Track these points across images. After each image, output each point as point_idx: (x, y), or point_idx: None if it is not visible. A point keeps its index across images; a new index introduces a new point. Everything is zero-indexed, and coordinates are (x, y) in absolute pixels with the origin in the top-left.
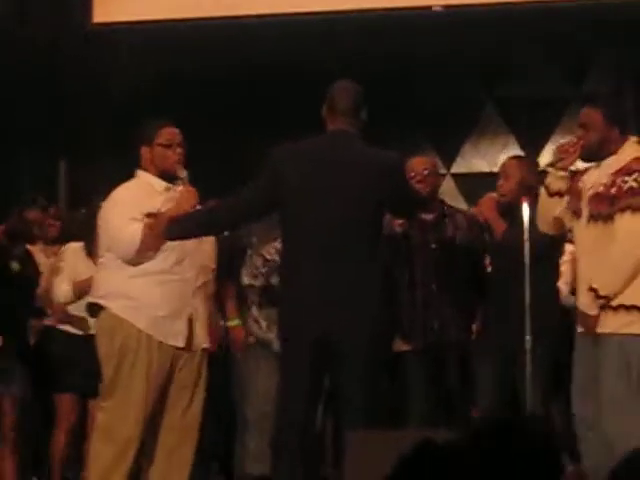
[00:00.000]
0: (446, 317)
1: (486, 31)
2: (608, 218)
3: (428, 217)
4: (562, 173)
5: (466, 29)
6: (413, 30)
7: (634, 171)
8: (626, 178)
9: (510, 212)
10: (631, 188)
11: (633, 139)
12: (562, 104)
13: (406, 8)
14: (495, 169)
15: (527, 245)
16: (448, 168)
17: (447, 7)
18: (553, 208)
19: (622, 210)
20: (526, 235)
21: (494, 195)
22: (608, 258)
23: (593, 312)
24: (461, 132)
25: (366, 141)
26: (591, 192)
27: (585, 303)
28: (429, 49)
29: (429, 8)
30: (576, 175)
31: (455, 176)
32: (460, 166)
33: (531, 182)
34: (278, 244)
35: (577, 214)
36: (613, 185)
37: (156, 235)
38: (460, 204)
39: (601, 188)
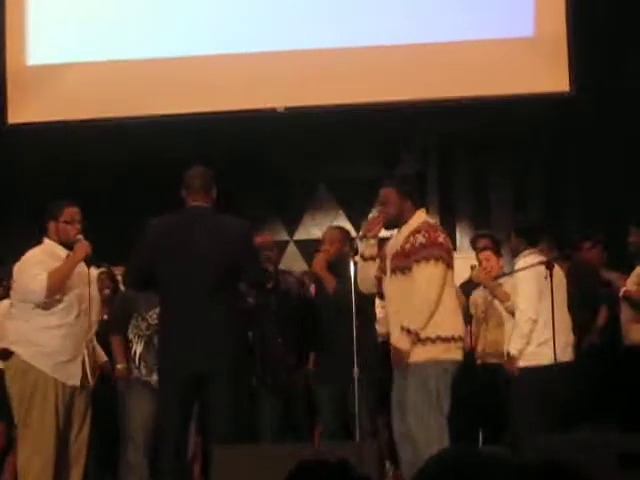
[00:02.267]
0: (289, 360)
1: (320, 128)
2: (406, 269)
3: (268, 284)
4: (372, 241)
5: (305, 128)
6: (261, 130)
7: (422, 230)
8: (417, 236)
9: (336, 269)
10: (421, 243)
11: (421, 210)
12: (379, 184)
13: (251, 110)
14: None
15: (354, 297)
16: (291, 235)
17: (288, 109)
18: (370, 270)
19: (417, 261)
20: (353, 289)
21: (323, 255)
22: (411, 300)
23: (406, 347)
24: (301, 206)
25: (224, 212)
26: (392, 252)
27: (399, 340)
28: (276, 143)
29: (274, 110)
30: (383, 242)
31: (297, 242)
32: (301, 233)
33: (346, 248)
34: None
35: (384, 271)
36: (407, 243)
37: (60, 281)
38: (302, 265)
39: (399, 247)
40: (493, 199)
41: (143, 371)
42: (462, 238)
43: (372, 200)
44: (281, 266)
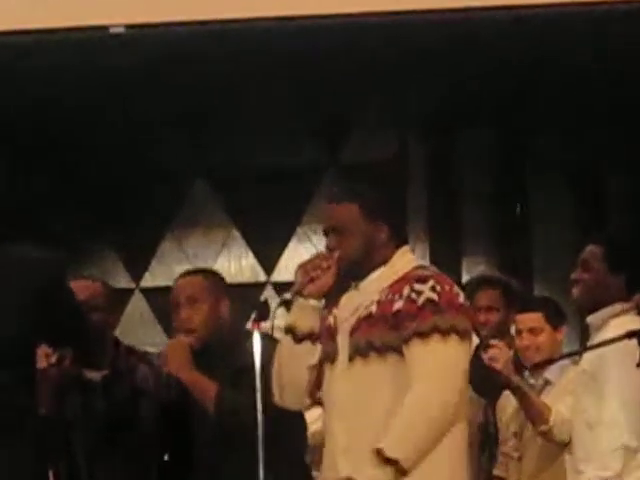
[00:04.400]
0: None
1: (193, 73)
2: (387, 349)
3: (94, 376)
4: (313, 302)
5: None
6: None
7: (427, 278)
8: (417, 287)
9: (216, 356)
10: (431, 301)
11: (405, 248)
12: (318, 186)
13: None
14: None
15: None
16: (137, 280)
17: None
18: (302, 360)
19: (422, 335)
20: (260, 399)
21: (182, 341)
22: (393, 406)
23: None
24: (157, 225)
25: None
26: (352, 320)
27: (375, 476)
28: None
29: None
30: (327, 307)
31: (147, 291)
32: (157, 276)
33: (223, 309)
34: None
35: (330, 358)
36: (393, 301)
37: None
38: (159, 336)
39: (373, 308)
40: (536, 203)
41: None
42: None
43: (305, 213)
44: (123, 337)
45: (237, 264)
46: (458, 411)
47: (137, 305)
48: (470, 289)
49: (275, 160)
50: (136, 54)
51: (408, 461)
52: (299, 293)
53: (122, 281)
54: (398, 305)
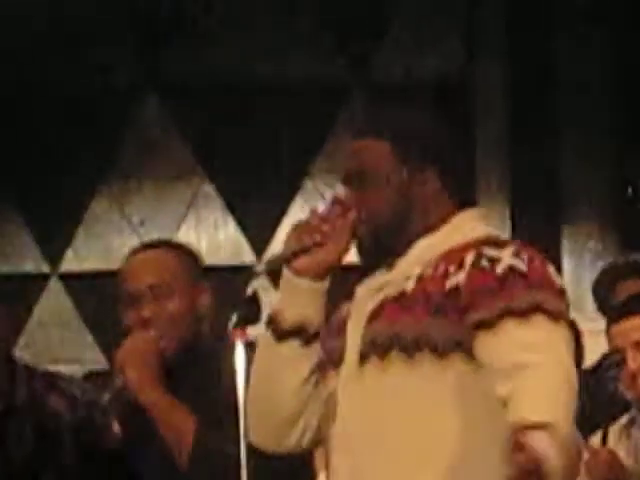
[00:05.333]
0: None
1: None
2: (423, 346)
3: None
4: (307, 283)
5: None
6: None
7: (506, 243)
8: (494, 252)
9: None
10: (517, 270)
11: (471, 212)
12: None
13: None
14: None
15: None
16: (54, 265)
17: None
18: (290, 368)
19: (516, 314)
20: (244, 434)
21: (155, 337)
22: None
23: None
24: (74, 205)
25: None
26: (371, 304)
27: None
28: None
29: None
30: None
31: (65, 277)
32: (82, 258)
33: (203, 305)
34: None
35: (332, 361)
36: (447, 274)
37: None
38: (72, 324)
39: (409, 284)
40: None
41: None
42: (575, 269)
43: (317, 158)
44: (30, 350)
45: (210, 237)
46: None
47: (53, 299)
48: (609, 279)
49: (273, 72)
50: None
51: (561, 427)
52: (287, 264)
53: (30, 263)
54: (456, 279)
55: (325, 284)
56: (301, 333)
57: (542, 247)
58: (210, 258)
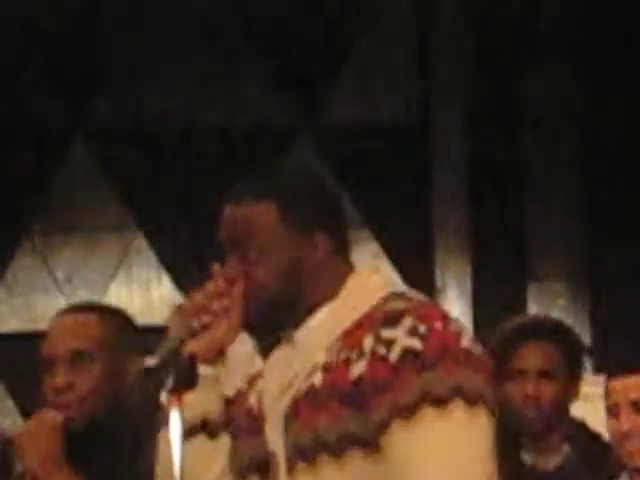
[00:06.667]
0: None
1: None
2: (350, 445)
3: None
4: (203, 369)
5: None
6: None
7: (402, 315)
8: (389, 333)
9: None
10: (410, 351)
11: (368, 267)
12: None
13: None
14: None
15: None
16: None
17: None
18: (207, 467)
19: (403, 413)
20: None
21: (56, 417)
22: None
23: None
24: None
25: None
26: (285, 400)
27: None
28: None
29: None
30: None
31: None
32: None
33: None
34: None
35: (257, 468)
36: (350, 362)
37: None
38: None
39: (317, 378)
40: None
41: None
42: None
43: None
44: None
45: (143, 295)
46: None
47: None
48: (508, 342)
49: (211, 114)
50: None
51: None
52: (175, 353)
53: None
54: (359, 368)
55: (219, 368)
56: (205, 427)
57: (507, 305)
58: (143, 318)
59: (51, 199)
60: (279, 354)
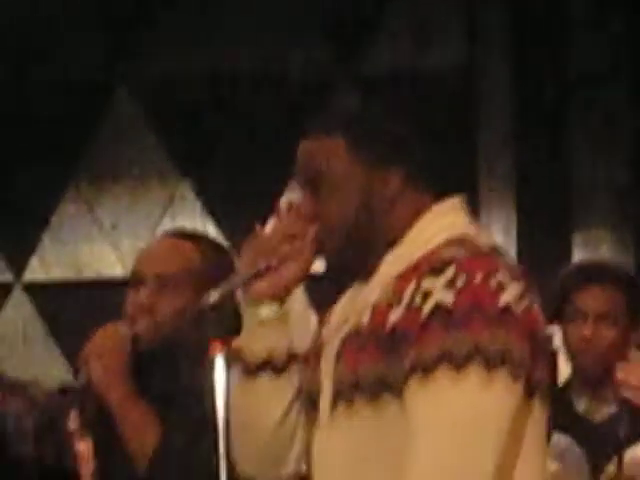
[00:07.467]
0: None
1: None
2: (381, 390)
3: None
4: (268, 309)
5: None
6: None
7: (447, 265)
8: (429, 284)
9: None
10: (441, 307)
11: (442, 204)
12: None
13: None
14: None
15: None
16: (19, 274)
17: None
18: (263, 404)
19: (420, 370)
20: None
21: (125, 330)
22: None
23: None
24: (40, 207)
25: None
26: (338, 338)
27: None
28: None
29: None
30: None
31: (30, 287)
32: (46, 266)
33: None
34: None
35: (312, 401)
36: (391, 308)
37: None
38: (38, 338)
39: (365, 317)
40: None
41: None
42: None
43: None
44: None
45: None
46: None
47: (16, 311)
48: (571, 284)
49: (255, 65)
50: None
51: None
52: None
53: None
54: (396, 315)
55: (287, 306)
56: (269, 366)
57: (551, 254)
58: None
59: (97, 148)
60: (354, 288)
